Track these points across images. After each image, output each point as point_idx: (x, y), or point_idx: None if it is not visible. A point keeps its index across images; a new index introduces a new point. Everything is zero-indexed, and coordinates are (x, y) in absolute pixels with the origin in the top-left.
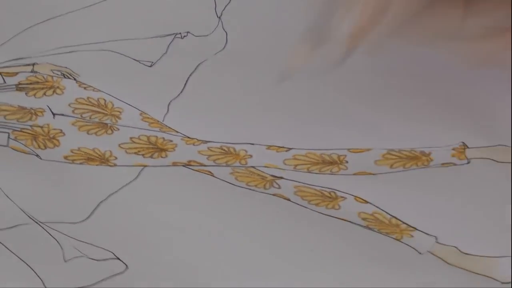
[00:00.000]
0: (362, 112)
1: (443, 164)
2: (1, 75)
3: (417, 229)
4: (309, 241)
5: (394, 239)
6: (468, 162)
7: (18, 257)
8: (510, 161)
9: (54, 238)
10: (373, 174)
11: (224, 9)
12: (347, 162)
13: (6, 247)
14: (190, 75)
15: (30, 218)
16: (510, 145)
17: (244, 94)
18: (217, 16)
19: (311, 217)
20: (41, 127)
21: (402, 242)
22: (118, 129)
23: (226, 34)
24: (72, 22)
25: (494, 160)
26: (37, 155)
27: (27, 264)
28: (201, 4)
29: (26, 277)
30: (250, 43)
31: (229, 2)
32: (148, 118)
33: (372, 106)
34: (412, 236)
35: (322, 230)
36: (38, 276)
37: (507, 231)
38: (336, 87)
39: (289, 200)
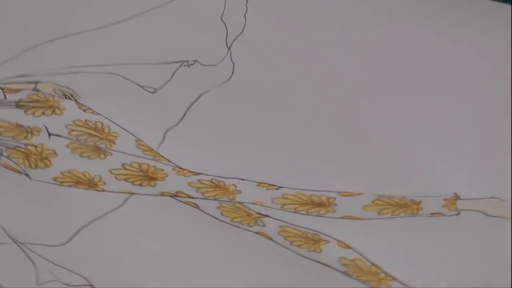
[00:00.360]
0: (356, 155)
1: (432, 214)
2: (3, 91)
3: (395, 279)
4: (284, 282)
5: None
6: (458, 214)
7: None
8: (502, 215)
9: (31, 260)
10: (360, 219)
11: (235, 39)
12: (335, 205)
13: None
14: (191, 105)
15: (10, 237)
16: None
17: (242, 128)
18: (227, 46)
19: (293, 258)
20: (35, 146)
21: None
22: (111, 154)
23: (233, 65)
24: (80, 43)
25: (485, 214)
26: (26, 175)
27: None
28: (212, 33)
29: None
30: (256, 77)
31: (241, 33)
32: (142, 145)
33: (367, 149)
34: (389, 286)
35: (300, 272)
36: None
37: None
38: (333, 129)
39: (271, 239)
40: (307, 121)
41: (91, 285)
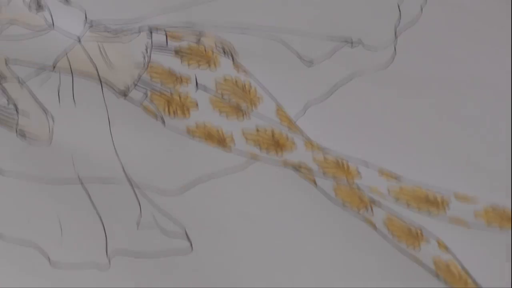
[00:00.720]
0: (482, 159)
1: None
2: (166, 36)
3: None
4: (374, 272)
5: None
6: None
7: (96, 211)
8: None
9: (139, 203)
10: (468, 225)
11: (405, 29)
12: (448, 207)
13: (90, 198)
14: (341, 85)
15: (126, 176)
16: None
17: (386, 118)
18: (395, 34)
19: (390, 250)
20: (180, 95)
21: None
22: (249, 117)
23: (395, 55)
24: (250, 2)
25: None
26: (162, 121)
27: (100, 220)
28: (384, 17)
29: (93, 232)
30: (413, 72)
31: (414, 25)
32: (282, 114)
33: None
34: None
35: (392, 265)
36: (105, 234)
37: None
38: (469, 133)
39: (375, 228)
40: (448, 121)
41: (188, 240)
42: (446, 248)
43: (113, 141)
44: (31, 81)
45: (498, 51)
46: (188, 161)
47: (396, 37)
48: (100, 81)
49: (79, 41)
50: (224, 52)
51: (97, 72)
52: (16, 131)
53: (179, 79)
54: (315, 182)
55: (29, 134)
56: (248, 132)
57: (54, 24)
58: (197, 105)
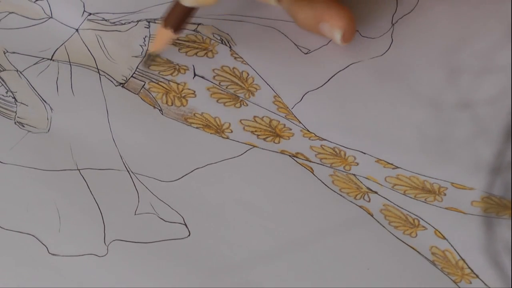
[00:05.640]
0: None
1: None
2: None
3: (478, 277)
4: (371, 260)
5: (453, 281)
6: None
7: (94, 198)
8: None
9: (137, 190)
10: (464, 213)
11: (401, 17)
12: (445, 195)
13: (88, 186)
14: (338, 72)
15: (125, 165)
16: None
17: (382, 106)
18: (391, 22)
19: (386, 238)
20: (178, 84)
21: (458, 287)
22: (247, 105)
23: (391, 42)
24: None
25: None
26: (160, 110)
27: (98, 207)
28: (380, 6)
29: (91, 219)
30: (409, 59)
31: (409, 12)
32: (279, 102)
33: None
34: (470, 283)
35: (388, 252)
36: (103, 222)
37: None
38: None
39: (371, 216)
40: (446, 110)
41: (185, 225)
42: (442, 236)
43: (111, 129)
44: (29, 71)
45: (497, 40)
46: (185, 149)
47: (392, 24)
48: (98, 71)
49: (77, 30)
50: (222, 41)
51: (95, 62)
52: (15, 120)
53: (177, 68)
54: (312, 170)
55: (27, 124)
56: (245, 121)
57: (52, 13)
58: (194, 93)
